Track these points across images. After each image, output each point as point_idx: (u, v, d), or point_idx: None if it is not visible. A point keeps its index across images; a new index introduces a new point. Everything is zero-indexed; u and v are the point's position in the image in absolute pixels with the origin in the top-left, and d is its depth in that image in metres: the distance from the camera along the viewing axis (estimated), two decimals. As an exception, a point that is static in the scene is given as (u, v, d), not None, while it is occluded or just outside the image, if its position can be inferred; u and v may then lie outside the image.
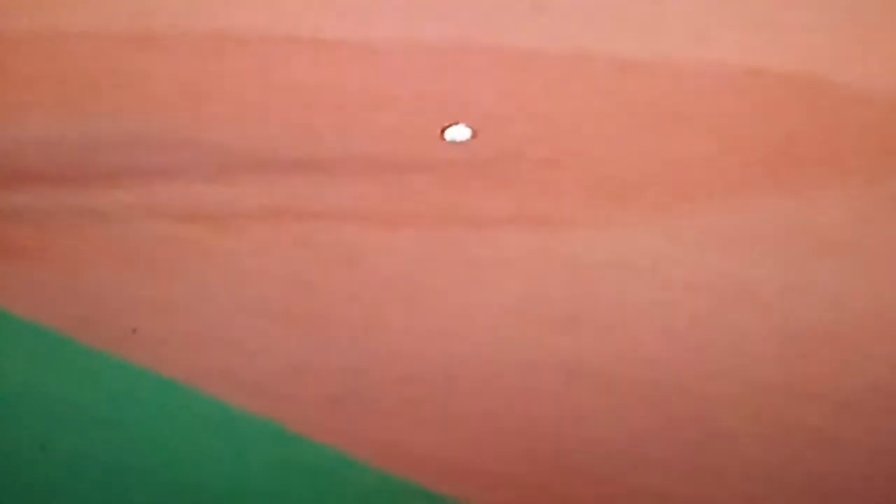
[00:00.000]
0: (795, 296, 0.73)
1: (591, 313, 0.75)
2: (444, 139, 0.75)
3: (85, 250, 0.73)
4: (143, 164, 0.72)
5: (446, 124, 0.74)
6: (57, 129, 0.75)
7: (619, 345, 0.76)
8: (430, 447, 0.77)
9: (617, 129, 0.72)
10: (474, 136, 0.74)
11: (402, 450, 0.76)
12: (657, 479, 0.77)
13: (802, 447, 0.77)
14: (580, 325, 0.75)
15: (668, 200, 0.71)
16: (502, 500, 0.77)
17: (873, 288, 0.72)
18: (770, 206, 0.70)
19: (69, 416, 0.75)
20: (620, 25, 0.72)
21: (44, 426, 0.73)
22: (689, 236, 0.71)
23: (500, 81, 0.73)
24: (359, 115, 0.74)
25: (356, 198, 0.74)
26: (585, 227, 0.72)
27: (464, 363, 0.76)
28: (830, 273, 0.72)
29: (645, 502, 0.77)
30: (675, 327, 0.75)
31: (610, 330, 0.75)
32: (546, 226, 0.72)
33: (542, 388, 0.76)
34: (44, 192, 0.72)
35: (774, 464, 0.77)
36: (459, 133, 0.74)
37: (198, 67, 0.74)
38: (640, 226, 0.72)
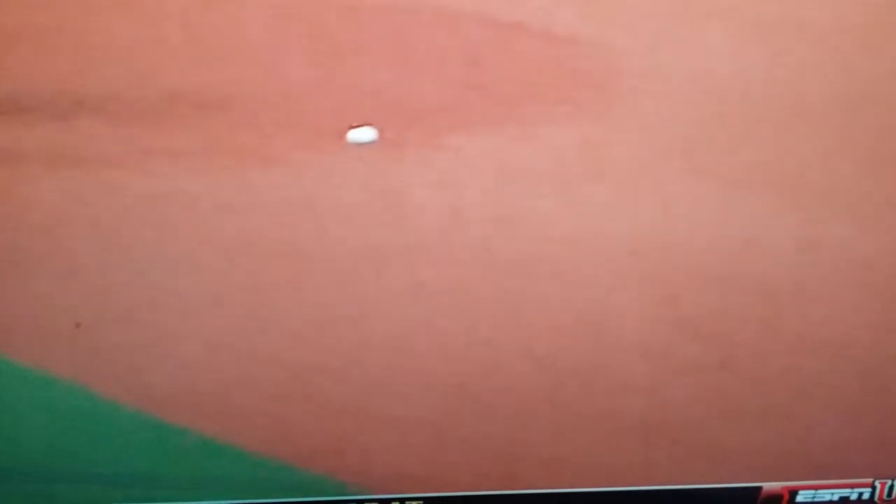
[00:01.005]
0: (543, 226, 0.76)
1: (328, 252, 0.76)
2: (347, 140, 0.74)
3: None
4: None
5: (353, 125, 0.73)
6: None
7: (356, 284, 0.78)
8: (169, 382, 0.80)
9: (355, 67, 0.71)
10: (379, 136, 0.73)
11: (141, 384, 0.79)
12: (402, 409, 0.82)
13: (560, 379, 0.81)
14: (304, 261, 0.77)
15: (412, 137, 0.72)
16: (251, 435, 0.82)
17: (608, 218, 0.76)
18: (510, 144, 0.73)
19: None
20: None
21: None
22: (433, 175, 0.73)
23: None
24: (91, 59, 0.72)
25: (91, 140, 0.73)
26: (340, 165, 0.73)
27: (195, 296, 0.77)
28: (568, 205, 0.75)
29: (396, 432, 0.82)
30: (428, 264, 0.77)
31: (348, 272, 0.77)
32: (290, 165, 0.73)
33: (282, 324, 0.78)
34: None
35: (532, 397, 0.81)
36: (363, 135, 0.73)
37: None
38: (389, 162, 0.73)
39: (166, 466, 0.84)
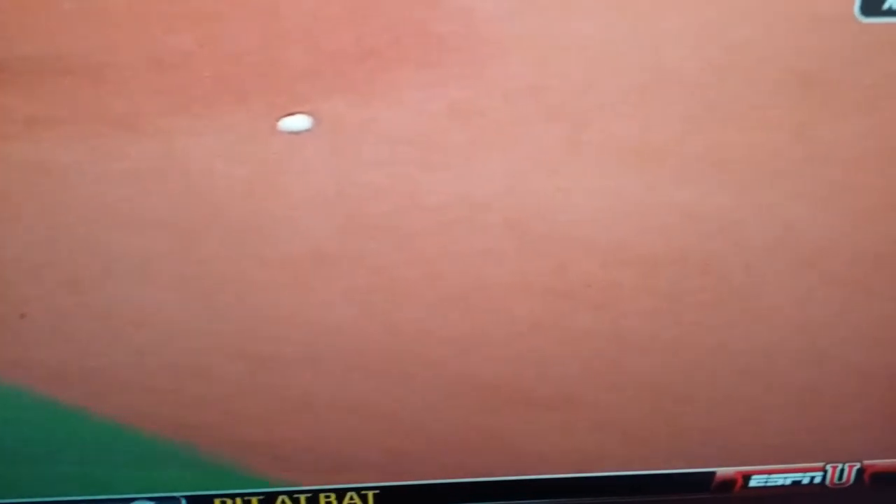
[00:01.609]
0: (416, 194, 0.75)
1: (204, 221, 0.75)
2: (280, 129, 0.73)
3: None
4: None
5: (283, 114, 0.72)
6: None
7: (233, 254, 0.77)
8: (48, 354, 0.79)
9: (221, 33, 0.70)
10: (316, 125, 0.72)
11: (15, 357, 0.79)
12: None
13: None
14: (184, 233, 0.75)
15: (280, 103, 0.71)
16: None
17: (482, 186, 0.75)
18: (380, 110, 0.72)
19: None
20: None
21: None
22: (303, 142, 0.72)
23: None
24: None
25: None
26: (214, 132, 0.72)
27: (81, 269, 0.75)
28: (411, 167, 0.74)
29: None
30: (299, 234, 0.76)
31: (225, 239, 0.76)
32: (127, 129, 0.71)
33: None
34: None
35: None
36: (296, 123, 0.72)
37: None
38: (260, 129, 0.72)
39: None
